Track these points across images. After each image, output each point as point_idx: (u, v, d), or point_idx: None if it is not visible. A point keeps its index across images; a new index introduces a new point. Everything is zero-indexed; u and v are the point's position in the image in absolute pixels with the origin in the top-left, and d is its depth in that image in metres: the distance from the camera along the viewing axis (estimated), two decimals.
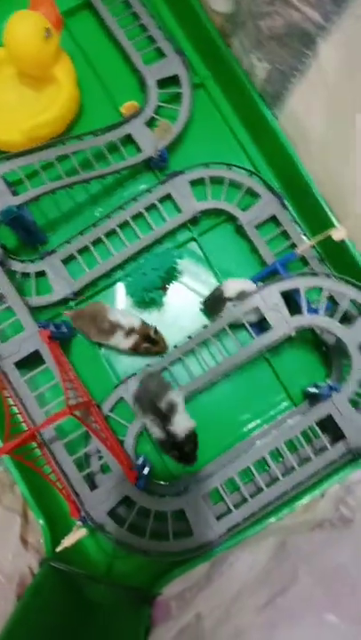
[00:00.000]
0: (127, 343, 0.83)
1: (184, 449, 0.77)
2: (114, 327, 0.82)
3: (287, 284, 0.78)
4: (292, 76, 0.76)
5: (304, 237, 0.87)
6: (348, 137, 0.71)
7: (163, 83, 0.91)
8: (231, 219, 0.90)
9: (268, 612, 0.51)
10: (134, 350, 0.84)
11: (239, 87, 0.87)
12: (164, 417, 0.75)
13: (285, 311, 0.77)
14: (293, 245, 0.87)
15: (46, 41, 0.80)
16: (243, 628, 0.52)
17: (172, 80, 0.91)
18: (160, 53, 0.92)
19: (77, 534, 0.63)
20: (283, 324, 0.77)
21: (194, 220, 0.89)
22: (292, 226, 0.87)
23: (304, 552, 0.55)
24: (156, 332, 0.84)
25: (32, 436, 0.68)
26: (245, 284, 0.82)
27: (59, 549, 0.64)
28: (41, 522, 0.75)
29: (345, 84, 0.68)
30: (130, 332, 0.82)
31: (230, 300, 0.81)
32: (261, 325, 0.80)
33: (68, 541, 0.62)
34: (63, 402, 0.72)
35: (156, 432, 0.77)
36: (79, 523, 0.71)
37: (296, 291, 0.78)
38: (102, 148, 0.86)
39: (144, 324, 0.84)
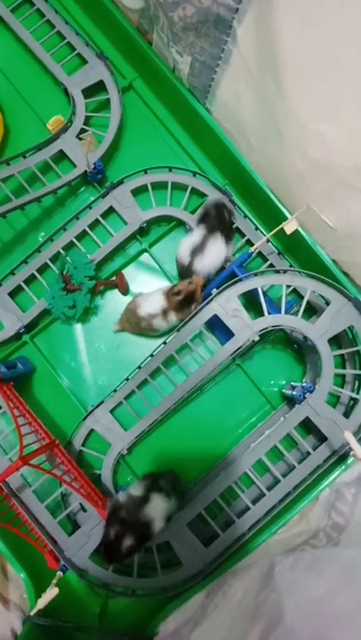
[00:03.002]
0: (170, 319, 0.78)
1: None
2: (150, 319, 0.78)
3: (244, 286, 0.73)
4: (215, 66, 0.72)
5: (259, 233, 0.82)
6: (278, 119, 0.66)
7: (88, 91, 0.85)
8: (181, 223, 0.85)
9: None
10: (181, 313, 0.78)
11: (167, 85, 0.82)
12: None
13: (246, 315, 0.72)
14: (250, 242, 0.83)
15: None
16: None
17: (98, 86, 0.86)
18: (81, 60, 0.87)
19: (49, 594, 0.59)
20: (245, 329, 0.72)
21: (142, 231, 0.84)
22: (244, 222, 0.82)
23: (289, 581, 0.51)
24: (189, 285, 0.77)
25: None
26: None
27: (33, 612, 0.59)
28: (22, 576, 0.70)
29: (262, 65, 0.63)
30: (165, 311, 0.77)
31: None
32: (225, 329, 0.76)
33: (41, 602, 0.58)
34: (31, 446, 0.68)
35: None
36: (59, 573, 0.66)
37: (255, 291, 0.73)
38: (34, 169, 0.81)
39: (169, 292, 0.78)
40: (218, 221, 0.78)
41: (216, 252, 0.78)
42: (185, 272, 0.80)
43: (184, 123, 0.87)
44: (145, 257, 0.87)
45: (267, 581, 0.54)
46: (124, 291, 0.85)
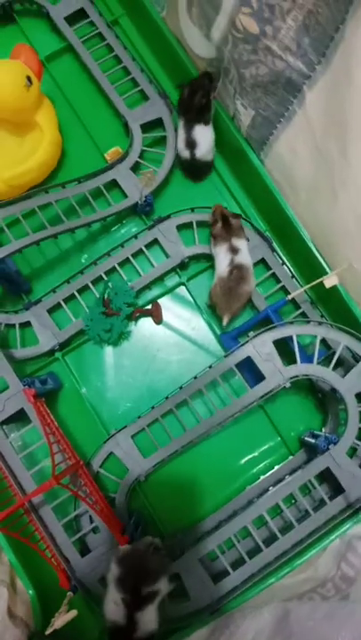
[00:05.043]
0: (235, 246, 0.81)
1: None
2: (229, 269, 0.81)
3: (280, 333, 0.76)
4: (277, 122, 0.75)
5: (295, 281, 0.86)
6: (335, 182, 0.70)
7: (147, 126, 0.89)
8: None
9: None
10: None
11: (224, 132, 0.86)
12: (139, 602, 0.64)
13: (279, 361, 0.75)
14: (284, 288, 0.86)
15: (27, 89, 0.79)
16: None
17: (156, 123, 0.90)
18: (143, 96, 0.91)
19: (69, 615, 0.60)
20: (277, 374, 0.74)
21: (182, 265, 0.87)
22: (281, 269, 0.86)
23: (307, 630, 0.52)
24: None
25: (20, 505, 0.64)
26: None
27: (48, 632, 0.60)
28: (30, 592, 0.71)
29: (330, 131, 0.67)
30: (231, 248, 0.81)
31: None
32: (256, 372, 0.78)
33: (58, 622, 0.59)
34: (50, 463, 0.69)
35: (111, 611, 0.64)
36: (70, 594, 0.67)
37: (290, 338, 0.76)
38: (87, 194, 0.84)
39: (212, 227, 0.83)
40: (190, 105, 0.85)
41: (206, 138, 0.86)
42: (192, 164, 0.88)
43: (235, 167, 0.91)
44: (181, 290, 0.89)
45: (282, 627, 0.55)
46: (159, 320, 0.87)
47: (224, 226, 0.82)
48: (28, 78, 0.79)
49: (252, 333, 0.76)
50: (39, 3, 0.94)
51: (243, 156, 0.85)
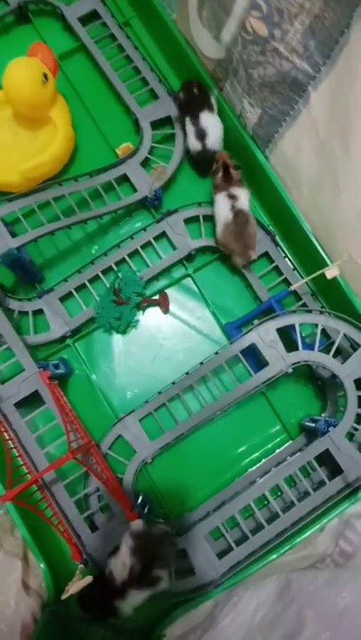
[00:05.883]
0: (238, 196, 0.86)
1: None
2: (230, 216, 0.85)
3: (283, 321, 0.80)
4: (282, 121, 0.79)
5: (296, 274, 0.89)
6: (338, 178, 0.73)
7: (156, 123, 0.93)
8: (225, 255, 0.92)
9: None
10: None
11: (230, 129, 0.90)
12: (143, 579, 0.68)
13: (282, 348, 0.79)
14: (286, 280, 0.89)
15: (43, 86, 0.82)
16: None
17: (166, 121, 0.94)
18: (153, 95, 0.95)
19: (83, 581, 0.63)
20: (280, 360, 0.78)
21: (189, 257, 0.91)
22: (284, 262, 0.89)
23: (309, 594, 0.56)
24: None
25: (36, 481, 0.68)
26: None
27: (64, 597, 0.63)
28: (42, 566, 0.74)
29: (334, 129, 0.71)
30: (229, 195, 0.85)
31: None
32: (258, 360, 0.82)
33: (73, 588, 0.62)
34: (63, 443, 0.73)
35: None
36: (81, 566, 0.70)
37: (292, 327, 0.80)
38: (98, 187, 0.87)
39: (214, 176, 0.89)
40: (190, 100, 0.90)
41: (215, 126, 0.90)
42: (205, 155, 0.91)
43: (240, 164, 0.94)
44: (188, 281, 0.93)
45: (284, 595, 0.59)
46: (166, 309, 0.91)
47: (225, 176, 0.87)
48: (45, 75, 0.82)
49: (256, 322, 0.79)
50: (53, 3, 0.97)
51: (248, 152, 0.88)
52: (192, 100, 0.89)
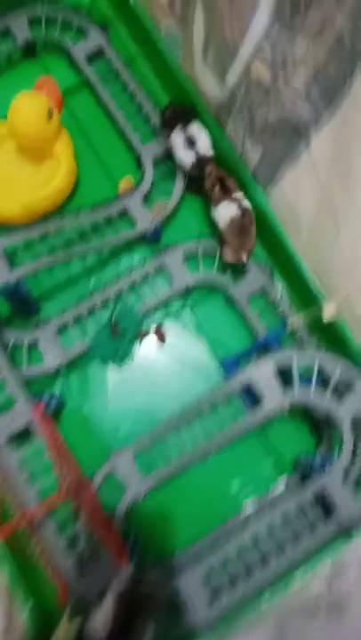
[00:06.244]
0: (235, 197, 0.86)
1: None
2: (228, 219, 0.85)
3: (281, 358, 0.79)
4: (284, 162, 0.81)
5: (293, 311, 0.90)
6: (338, 220, 0.75)
7: (158, 160, 0.94)
8: (222, 292, 0.92)
9: None
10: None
11: (232, 168, 0.91)
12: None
13: (279, 386, 0.78)
14: (283, 316, 0.89)
15: (48, 121, 0.83)
16: None
17: (167, 157, 0.95)
18: (155, 132, 0.96)
19: (70, 627, 0.60)
20: (277, 398, 0.78)
21: (187, 291, 0.91)
22: (280, 299, 0.90)
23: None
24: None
25: (28, 520, 0.66)
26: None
27: None
28: (27, 607, 0.71)
29: (334, 172, 0.72)
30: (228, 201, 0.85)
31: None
32: (255, 397, 0.81)
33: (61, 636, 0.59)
34: (56, 480, 0.71)
35: None
36: (67, 610, 0.68)
37: (289, 364, 0.80)
38: (100, 221, 0.88)
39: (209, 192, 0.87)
40: (175, 115, 0.89)
41: (201, 132, 0.88)
42: (200, 165, 0.88)
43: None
44: (185, 314, 0.93)
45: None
46: (162, 343, 0.90)
47: (222, 188, 0.86)
48: (50, 111, 0.84)
49: (253, 357, 0.79)
50: (60, 41, 1.00)
51: (248, 191, 0.89)
52: (177, 113, 0.90)
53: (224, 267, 0.91)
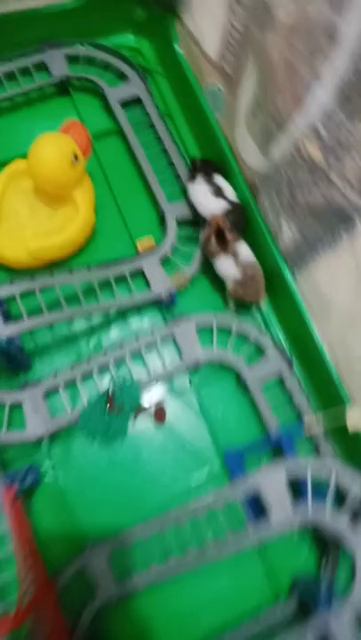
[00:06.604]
0: (238, 251, 0.82)
1: None
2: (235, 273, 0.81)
3: (294, 468, 0.70)
4: (321, 248, 0.73)
5: (311, 408, 0.80)
6: None
7: (183, 222, 0.87)
8: (235, 373, 0.83)
9: None
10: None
11: (261, 247, 0.84)
12: None
13: (290, 500, 0.68)
14: (298, 412, 0.80)
15: (72, 166, 0.76)
16: None
17: (193, 222, 0.88)
18: (184, 192, 0.89)
19: None
20: (286, 513, 0.67)
21: (195, 367, 0.82)
22: (299, 393, 0.81)
23: None
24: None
25: None
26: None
27: None
28: None
29: None
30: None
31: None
32: (258, 506, 0.71)
33: None
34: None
35: None
36: None
37: (302, 475, 0.70)
38: (111, 279, 0.80)
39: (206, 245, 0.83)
40: (203, 165, 0.87)
41: (226, 184, 0.86)
42: (235, 209, 0.84)
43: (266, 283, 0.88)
44: (190, 394, 0.83)
45: None
46: (162, 422, 0.80)
47: (219, 242, 0.81)
48: (75, 156, 0.76)
49: (262, 463, 0.69)
50: (97, 83, 0.94)
51: (277, 274, 0.82)
52: (207, 164, 0.87)
53: (238, 343, 0.82)
